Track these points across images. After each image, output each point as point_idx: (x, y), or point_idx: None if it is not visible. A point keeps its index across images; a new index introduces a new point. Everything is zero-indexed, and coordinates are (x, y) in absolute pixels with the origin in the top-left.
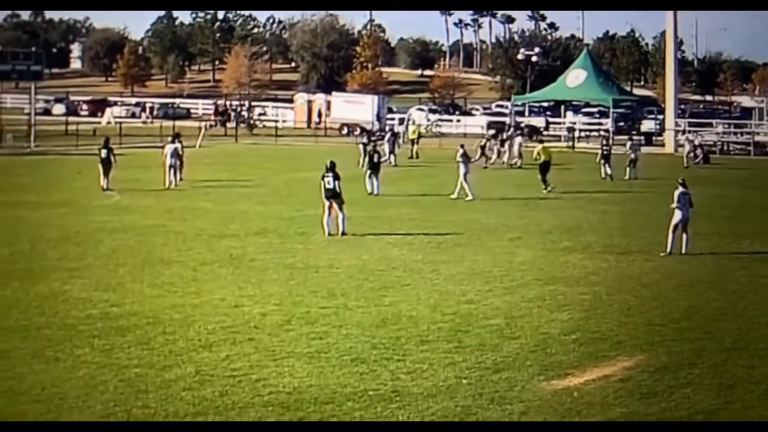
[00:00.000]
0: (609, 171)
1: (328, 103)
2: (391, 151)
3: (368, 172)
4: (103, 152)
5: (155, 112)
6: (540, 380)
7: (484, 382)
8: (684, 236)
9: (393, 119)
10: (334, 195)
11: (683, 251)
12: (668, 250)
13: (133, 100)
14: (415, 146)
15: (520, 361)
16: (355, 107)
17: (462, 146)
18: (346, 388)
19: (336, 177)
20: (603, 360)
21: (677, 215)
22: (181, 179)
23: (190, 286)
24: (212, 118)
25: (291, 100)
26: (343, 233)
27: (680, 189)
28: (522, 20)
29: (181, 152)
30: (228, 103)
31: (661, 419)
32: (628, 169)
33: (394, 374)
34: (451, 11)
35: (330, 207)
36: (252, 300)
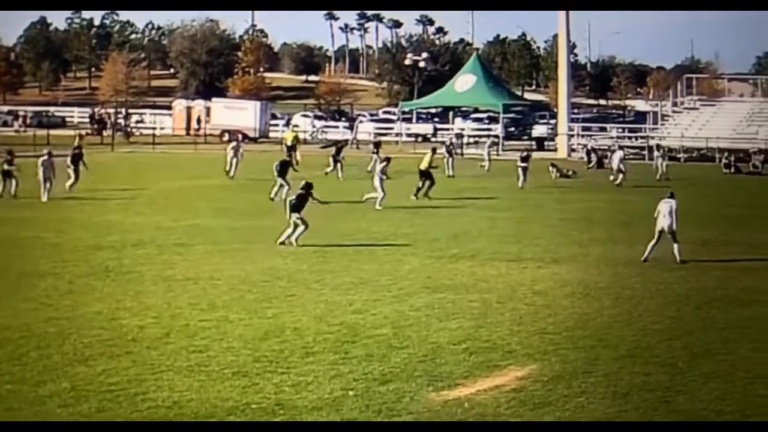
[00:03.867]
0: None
1: (208, 109)
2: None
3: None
4: None
5: (28, 121)
6: (429, 391)
7: (372, 393)
8: (675, 245)
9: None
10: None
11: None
12: (644, 256)
13: (5, 108)
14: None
15: (409, 372)
16: (236, 113)
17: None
18: (228, 402)
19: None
20: (494, 369)
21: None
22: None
23: (66, 299)
24: (89, 126)
25: (169, 107)
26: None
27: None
28: (409, 25)
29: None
30: (104, 110)
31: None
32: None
33: (278, 387)
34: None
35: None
36: (129, 312)
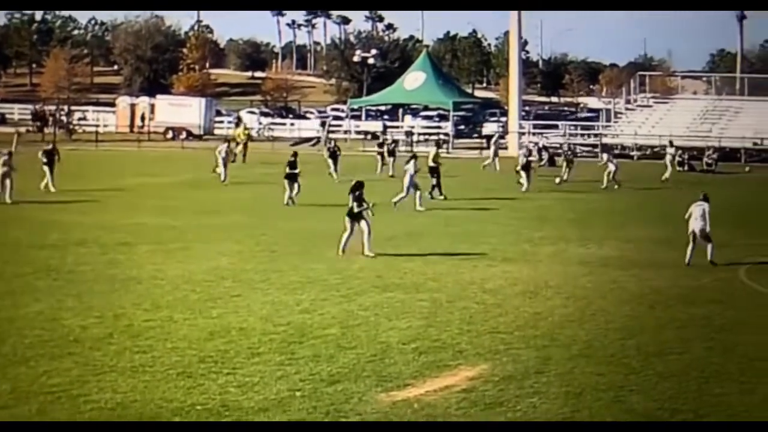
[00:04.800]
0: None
1: (152, 106)
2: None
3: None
4: None
5: None
6: (378, 392)
7: (319, 394)
8: (708, 246)
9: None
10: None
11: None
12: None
13: None
14: (246, 150)
15: (357, 372)
16: (181, 110)
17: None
18: (172, 402)
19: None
20: (444, 369)
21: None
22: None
23: (6, 299)
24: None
25: (113, 104)
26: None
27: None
28: (358, 21)
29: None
30: (46, 107)
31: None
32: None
33: (224, 388)
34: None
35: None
36: (71, 313)
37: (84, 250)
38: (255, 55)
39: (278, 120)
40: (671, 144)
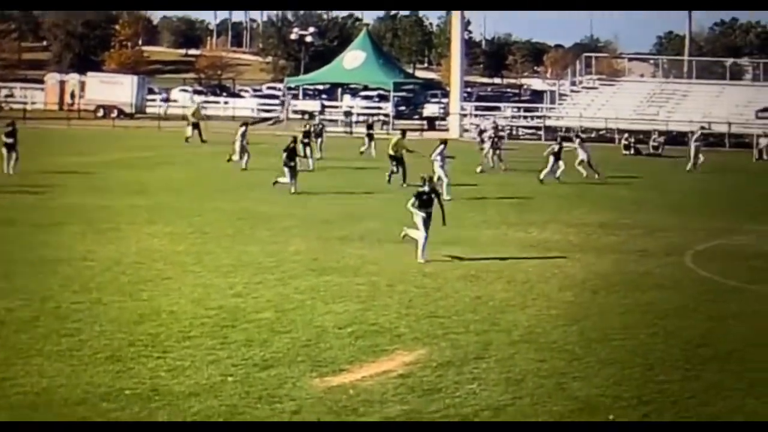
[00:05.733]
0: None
1: (83, 83)
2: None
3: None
4: None
5: None
6: (313, 377)
7: (252, 379)
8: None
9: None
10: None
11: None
12: None
13: None
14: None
15: (291, 357)
16: (112, 88)
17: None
18: (101, 387)
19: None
20: (381, 354)
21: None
22: None
23: None
24: None
25: (42, 81)
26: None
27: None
28: None
29: None
30: None
31: (445, 416)
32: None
33: (154, 372)
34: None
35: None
36: None
37: (11, 230)
38: (189, 33)
39: (212, 98)
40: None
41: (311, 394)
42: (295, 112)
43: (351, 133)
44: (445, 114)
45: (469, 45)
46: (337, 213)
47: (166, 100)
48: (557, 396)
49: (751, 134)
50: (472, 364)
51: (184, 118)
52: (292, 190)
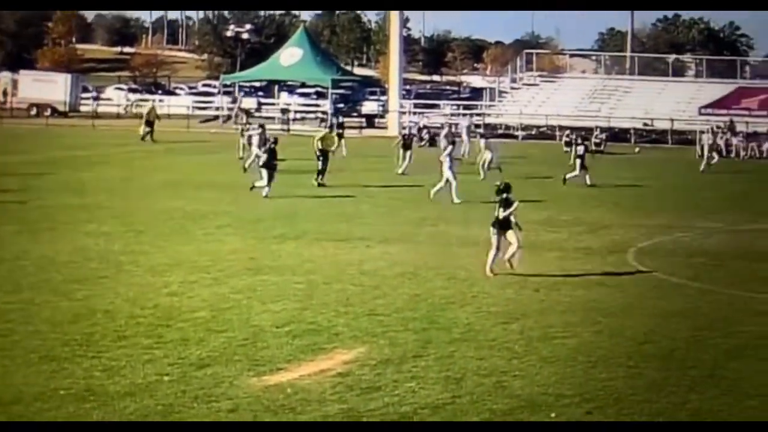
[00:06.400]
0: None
1: (15, 81)
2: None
3: None
4: None
5: None
6: (250, 376)
7: (188, 378)
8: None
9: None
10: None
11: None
12: None
13: None
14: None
15: (228, 356)
16: (45, 86)
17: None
18: (34, 387)
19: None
20: (320, 353)
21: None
22: None
23: None
24: None
25: None
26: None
27: None
28: None
29: None
30: None
31: (384, 415)
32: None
33: (88, 372)
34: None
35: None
36: None
37: None
38: (124, 30)
39: (147, 96)
40: (715, 129)
41: (248, 393)
42: (231, 109)
43: (288, 130)
44: (384, 111)
45: (407, 42)
46: (272, 212)
47: (96, 98)
48: (497, 394)
49: (693, 131)
50: (411, 362)
51: (119, 116)
52: (264, 194)
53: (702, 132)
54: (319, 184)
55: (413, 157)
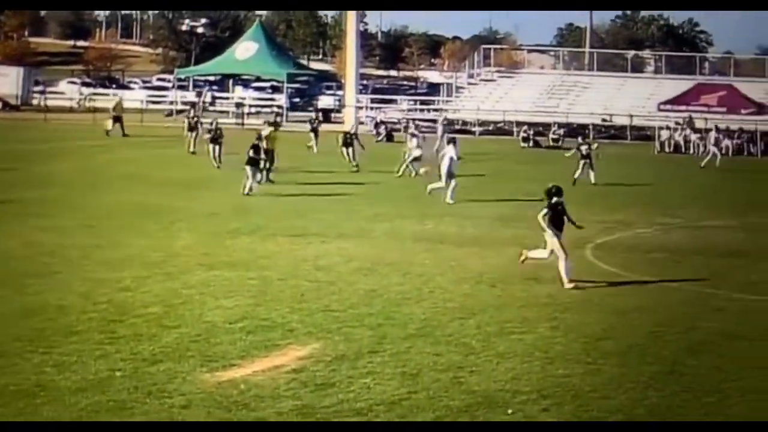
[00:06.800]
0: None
1: None
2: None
3: None
4: None
5: None
6: (203, 371)
7: (140, 374)
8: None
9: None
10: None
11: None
12: None
13: None
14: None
15: (181, 352)
16: None
17: None
18: None
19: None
20: (273, 349)
21: None
22: None
23: None
24: None
25: None
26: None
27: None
28: None
29: None
30: None
31: (338, 411)
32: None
33: (39, 368)
34: None
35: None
36: None
37: None
38: (78, 24)
39: (101, 90)
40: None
41: (201, 388)
42: (184, 103)
43: (242, 125)
44: (341, 106)
45: (364, 37)
46: (226, 207)
47: (43, 92)
48: (454, 390)
49: (652, 127)
50: (367, 358)
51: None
52: (244, 192)
53: (660, 128)
54: (267, 180)
55: (355, 152)
